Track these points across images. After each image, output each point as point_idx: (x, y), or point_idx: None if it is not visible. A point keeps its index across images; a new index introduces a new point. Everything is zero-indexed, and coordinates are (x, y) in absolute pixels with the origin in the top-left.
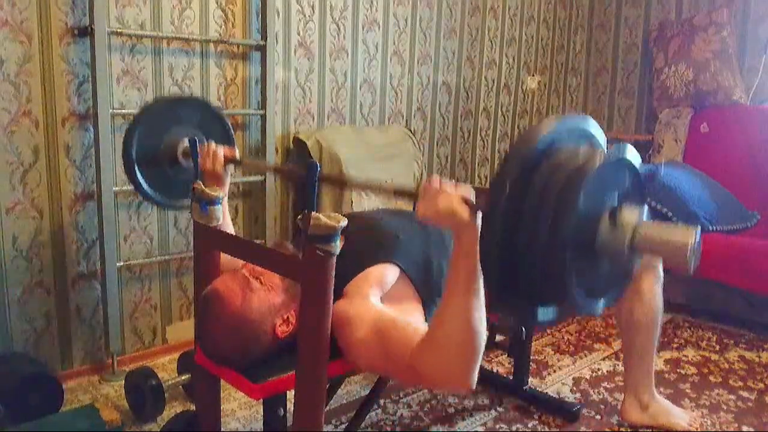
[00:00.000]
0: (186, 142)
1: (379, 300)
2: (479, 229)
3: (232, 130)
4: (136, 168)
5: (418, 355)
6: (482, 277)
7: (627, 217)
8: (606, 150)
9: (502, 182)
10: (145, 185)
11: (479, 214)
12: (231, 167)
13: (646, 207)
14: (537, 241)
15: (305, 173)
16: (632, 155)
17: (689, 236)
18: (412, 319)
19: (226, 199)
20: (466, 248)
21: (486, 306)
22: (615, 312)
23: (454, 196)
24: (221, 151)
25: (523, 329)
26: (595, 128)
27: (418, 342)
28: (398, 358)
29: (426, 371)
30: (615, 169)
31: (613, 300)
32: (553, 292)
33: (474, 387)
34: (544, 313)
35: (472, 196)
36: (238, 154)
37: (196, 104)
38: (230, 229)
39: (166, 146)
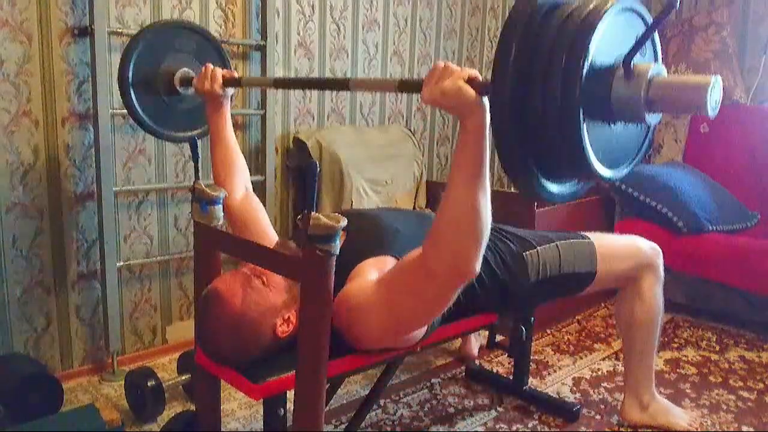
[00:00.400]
0: (183, 71)
1: None
2: (487, 111)
3: (228, 58)
4: (132, 90)
5: (424, 251)
6: (488, 161)
7: (642, 68)
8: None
9: (507, 43)
10: (139, 110)
11: (486, 98)
12: (231, 90)
13: (661, 63)
14: (549, 99)
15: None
16: (643, 7)
17: (708, 79)
18: None
19: (228, 113)
20: (474, 131)
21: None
22: (615, 312)
23: (461, 74)
24: (220, 71)
25: (523, 329)
26: None
27: (423, 241)
28: (409, 276)
29: (433, 261)
30: (626, 19)
31: (634, 166)
32: (570, 158)
33: (477, 272)
34: (560, 188)
35: (479, 77)
36: (236, 75)
37: (192, 32)
38: (232, 134)
39: (163, 72)
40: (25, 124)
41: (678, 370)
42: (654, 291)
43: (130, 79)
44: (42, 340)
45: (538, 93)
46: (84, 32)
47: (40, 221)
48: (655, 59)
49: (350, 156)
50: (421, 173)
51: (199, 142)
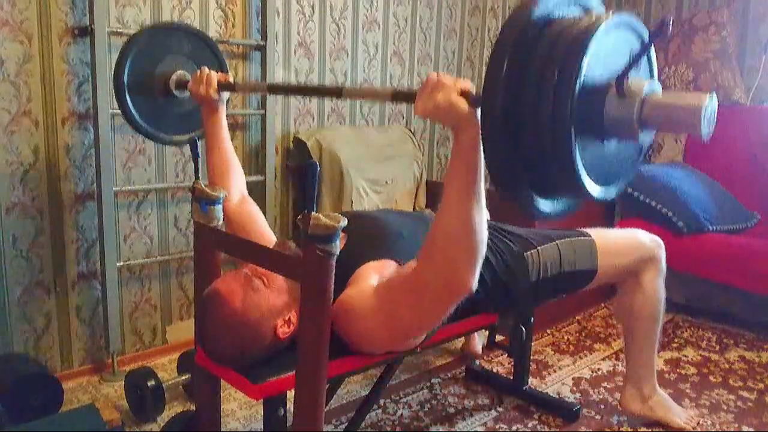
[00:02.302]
0: (179, 74)
1: None
2: (479, 124)
3: (225, 61)
4: (127, 94)
5: (419, 264)
6: (482, 176)
7: (635, 86)
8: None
9: (499, 58)
10: (134, 112)
11: (479, 110)
12: (226, 94)
13: (656, 79)
14: (541, 116)
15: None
16: (638, 23)
17: (702, 98)
18: None
19: (224, 117)
20: (467, 145)
21: (488, 198)
22: (616, 305)
23: (453, 87)
24: (215, 75)
25: (523, 329)
26: None
27: (418, 254)
28: (405, 287)
29: (427, 275)
30: (621, 34)
31: (626, 184)
32: (562, 176)
33: (474, 289)
34: (553, 205)
35: (472, 89)
36: (232, 78)
37: (189, 34)
38: (227, 138)
39: (159, 75)
40: (25, 124)
41: (678, 370)
42: (655, 283)
43: (125, 83)
44: (42, 340)
45: (530, 109)
46: (84, 32)
47: (40, 221)
48: (651, 75)
49: (350, 156)
50: (421, 173)
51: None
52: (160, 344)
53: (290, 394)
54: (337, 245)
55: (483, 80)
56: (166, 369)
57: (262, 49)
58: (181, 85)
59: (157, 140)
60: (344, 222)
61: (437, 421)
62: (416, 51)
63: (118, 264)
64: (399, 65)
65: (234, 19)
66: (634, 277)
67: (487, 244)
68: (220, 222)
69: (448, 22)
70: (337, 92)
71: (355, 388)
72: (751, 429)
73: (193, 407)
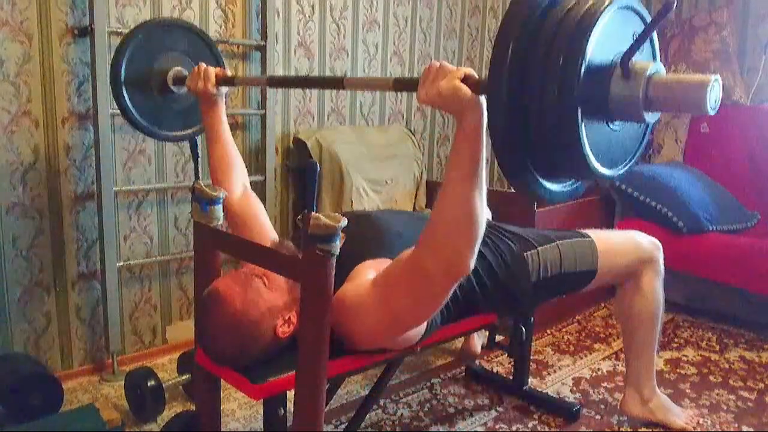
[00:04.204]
0: (176, 70)
1: None
2: (484, 110)
3: (221, 57)
4: (124, 89)
5: (418, 250)
6: (485, 160)
7: (640, 67)
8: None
9: (504, 42)
10: (132, 109)
11: (483, 96)
12: (225, 89)
13: (659, 61)
14: (547, 100)
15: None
16: (640, 5)
17: (707, 78)
18: None
19: (224, 111)
20: (470, 130)
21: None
22: (615, 307)
23: (456, 73)
24: (212, 70)
25: (523, 329)
26: None
27: (418, 240)
28: (403, 275)
29: (427, 260)
30: (624, 17)
31: (630, 165)
32: (569, 159)
33: (470, 270)
34: (559, 187)
35: (474, 75)
36: (229, 73)
37: (185, 30)
38: (228, 132)
39: (156, 72)
40: (25, 124)
41: (678, 370)
42: (654, 285)
43: (122, 79)
44: (42, 340)
45: (536, 92)
46: (84, 32)
47: (40, 221)
48: (654, 58)
49: (350, 156)
50: (421, 173)
51: (198, 141)
52: (160, 344)
53: (290, 394)
54: (337, 245)
55: (489, 64)
56: (166, 369)
57: (262, 49)
58: (179, 81)
59: (155, 137)
60: (344, 222)
61: (437, 421)
62: (416, 51)
63: (118, 264)
64: (399, 65)
65: (234, 19)
66: (633, 279)
67: (488, 244)
68: (220, 222)
69: (448, 22)
70: (338, 83)
71: (355, 388)
72: (751, 429)
73: (193, 407)
